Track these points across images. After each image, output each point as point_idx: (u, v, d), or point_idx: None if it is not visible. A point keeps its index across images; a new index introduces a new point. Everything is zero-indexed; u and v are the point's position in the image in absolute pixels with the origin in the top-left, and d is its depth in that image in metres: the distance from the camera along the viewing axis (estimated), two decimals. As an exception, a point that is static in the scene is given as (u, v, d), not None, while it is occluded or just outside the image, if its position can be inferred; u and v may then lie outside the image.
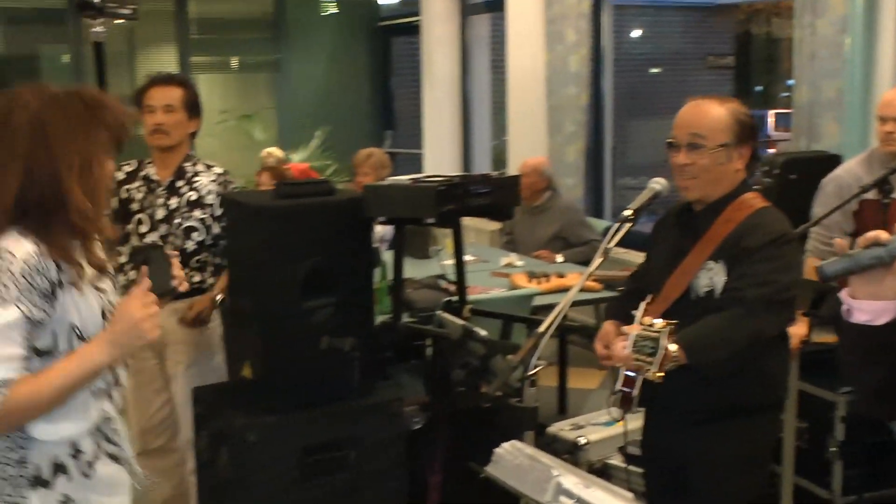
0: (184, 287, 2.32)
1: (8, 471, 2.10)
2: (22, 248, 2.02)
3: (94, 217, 2.12)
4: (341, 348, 3.23)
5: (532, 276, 5.05)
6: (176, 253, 2.40)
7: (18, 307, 1.99)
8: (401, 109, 11.47)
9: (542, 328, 2.54)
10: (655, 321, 2.41)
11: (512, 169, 7.72)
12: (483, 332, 3.11)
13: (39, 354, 2.07)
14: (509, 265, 5.53)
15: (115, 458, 2.28)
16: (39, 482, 2.11)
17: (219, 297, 3.92)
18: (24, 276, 2.00)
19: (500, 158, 9.20)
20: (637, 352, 2.40)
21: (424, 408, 3.67)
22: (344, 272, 3.42)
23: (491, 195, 3.44)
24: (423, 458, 3.67)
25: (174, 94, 3.93)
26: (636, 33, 12.19)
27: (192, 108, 3.98)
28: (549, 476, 2.15)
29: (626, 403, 2.65)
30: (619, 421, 2.77)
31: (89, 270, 2.15)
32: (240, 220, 3.54)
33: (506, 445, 2.32)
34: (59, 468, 2.13)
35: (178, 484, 4.11)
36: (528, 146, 7.63)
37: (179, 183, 3.95)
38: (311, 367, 3.36)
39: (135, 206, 3.95)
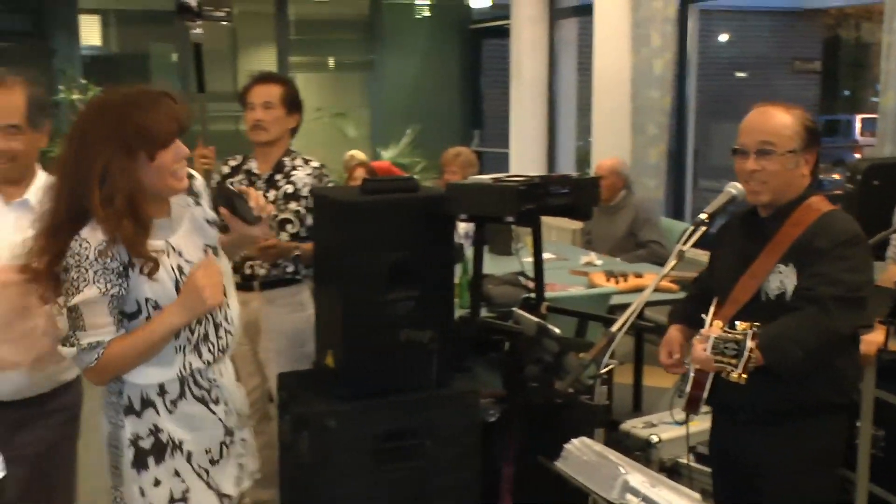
0: (268, 210, 2.66)
1: (112, 399, 2.51)
2: (95, 236, 2.32)
3: (115, 219, 2.32)
4: (420, 341, 3.20)
5: (610, 275, 4.98)
6: (246, 189, 2.69)
7: (97, 286, 2.32)
8: (489, 109, 11.44)
9: (614, 328, 2.49)
10: (737, 323, 2.35)
11: (594, 170, 7.63)
12: (557, 330, 3.06)
13: (129, 318, 2.43)
14: (588, 264, 5.46)
15: (201, 400, 2.57)
16: (132, 411, 2.49)
17: (297, 252, 3.96)
18: (97, 260, 2.32)
19: (583, 159, 9.12)
20: (718, 353, 2.34)
21: (500, 401, 3.63)
22: (425, 267, 3.40)
23: (570, 195, 3.38)
24: (496, 449, 3.63)
25: (273, 92, 3.97)
26: (723, 37, 11.97)
27: (292, 104, 4.00)
28: (617, 474, 2.11)
29: (693, 406, 2.58)
30: (683, 424, 2.71)
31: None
32: (327, 214, 3.54)
33: (575, 442, 2.28)
34: (148, 402, 2.49)
35: (263, 464, 4.14)
36: (612, 147, 7.54)
37: (278, 176, 3.98)
38: (390, 357, 3.35)
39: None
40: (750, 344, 2.29)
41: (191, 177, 2.60)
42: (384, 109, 10.96)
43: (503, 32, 9.96)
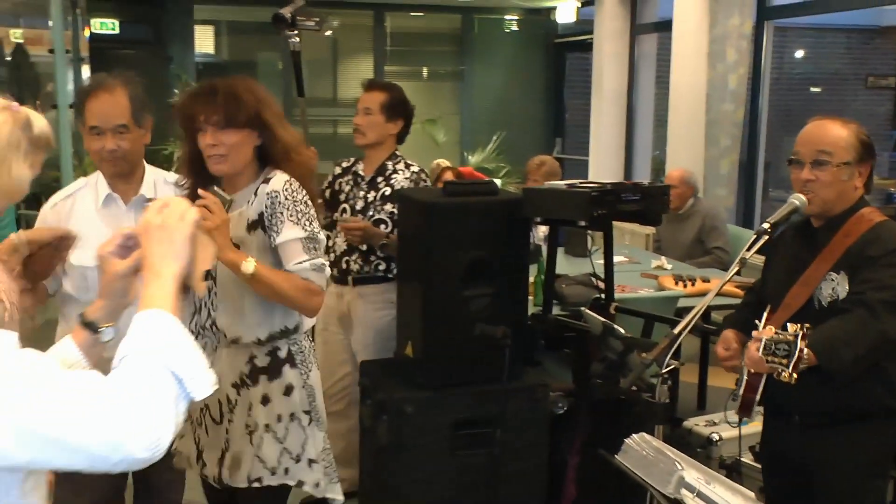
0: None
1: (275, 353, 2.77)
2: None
3: None
4: (493, 335, 3.19)
5: (679, 279, 4.90)
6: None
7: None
8: (571, 119, 11.37)
9: (677, 329, 2.44)
10: (787, 325, 2.30)
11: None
12: (621, 330, 3.02)
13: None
14: (659, 268, 5.38)
15: None
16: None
17: (386, 240, 3.93)
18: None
19: (659, 168, 9.01)
20: (770, 354, 2.28)
21: (568, 394, 3.61)
22: (501, 266, 3.39)
23: (640, 202, 3.34)
24: (563, 440, 3.61)
25: (375, 99, 3.98)
26: (798, 53, 11.70)
27: (393, 111, 3.99)
28: (673, 469, 2.07)
29: (745, 409, 2.53)
30: (736, 426, 2.66)
31: None
32: (411, 214, 3.55)
33: (635, 437, 2.25)
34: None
35: (346, 446, 4.19)
36: (686, 157, 7.43)
37: (379, 179, 3.99)
38: (466, 349, 3.35)
39: (342, 197, 4.05)
40: (801, 344, 2.23)
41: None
42: (472, 117, 10.97)
43: (586, 46, 9.90)
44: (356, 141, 4.04)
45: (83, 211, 2.86)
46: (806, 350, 2.28)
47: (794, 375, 2.24)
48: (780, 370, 2.27)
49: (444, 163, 7.68)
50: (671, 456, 2.11)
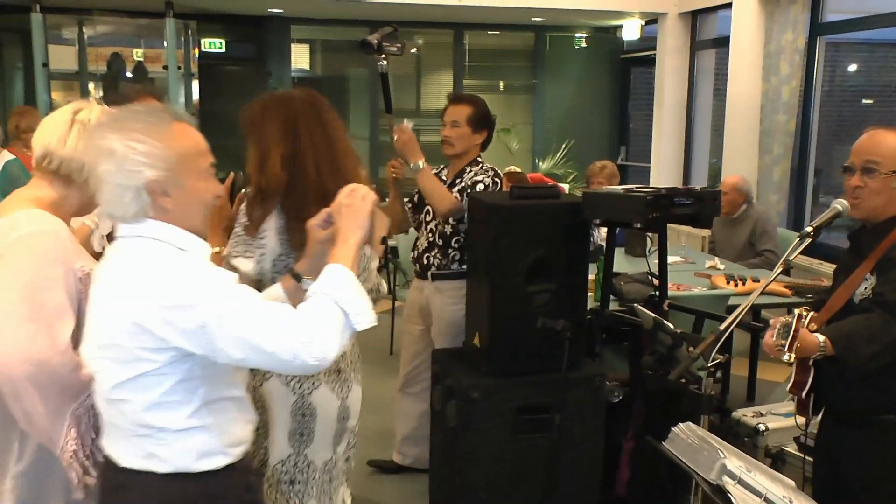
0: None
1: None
2: None
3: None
4: (554, 328, 3.15)
5: (730, 278, 4.78)
6: None
7: None
8: (634, 129, 11.23)
9: (723, 326, 2.37)
10: (794, 309, 2.22)
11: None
12: (670, 325, 2.95)
13: None
14: (712, 268, 5.26)
15: None
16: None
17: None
18: None
19: (715, 175, 8.84)
20: (778, 338, 2.20)
21: (624, 384, 3.54)
22: (562, 264, 3.34)
23: (693, 206, 3.26)
24: (618, 426, 3.55)
25: (461, 112, 3.96)
26: (851, 67, 11.33)
27: (478, 123, 3.98)
28: (716, 457, 2.01)
29: (797, 388, 2.43)
30: (786, 418, 2.57)
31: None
32: (480, 215, 3.52)
33: (681, 426, 2.19)
34: None
35: (417, 426, 4.19)
36: (740, 165, 7.28)
37: (457, 180, 3.97)
38: (529, 341, 3.31)
39: (426, 200, 4.04)
40: (796, 324, 2.14)
41: None
42: (544, 127, 10.90)
43: (649, 61, 9.77)
44: (445, 151, 4.03)
45: None
46: (823, 339, 2.22)
47: (792, 356, 2.15)
48: (783, 353, 2.18)
49: (516, 169, 7.68)
50: (714, 444, 2.05)
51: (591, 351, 3.68)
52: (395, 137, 3.85)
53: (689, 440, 2.13)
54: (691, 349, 2.41)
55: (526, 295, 3.30)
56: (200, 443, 1.87)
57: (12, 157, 4.85)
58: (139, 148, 1.78)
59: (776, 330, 2.19)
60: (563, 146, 10.44)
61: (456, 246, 3.97)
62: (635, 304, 3.27)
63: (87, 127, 2.10)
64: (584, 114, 10.97)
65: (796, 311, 2.20)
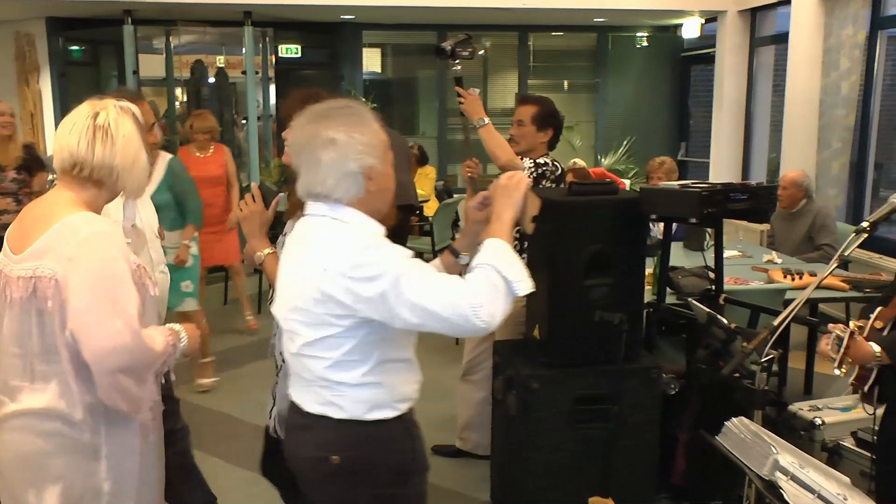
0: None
1: None
2: None
3: None
4: (611, 321, 3.08)
5: (787, 272, 4.60)
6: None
7: None
8: (694, 125, 10.99)
9: (777, 321, 2.27)
10: (851, 322, 2.12)
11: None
12: (724, 320, 2.85)
13: None
14: (769, 262, 5.09)
15: None
16: None
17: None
18: None
19: (773, 169, 8.60)
20: (832, 348, 2.12)
21: (680, 376, 3.45)
22: (619, 258, 3.27)
23: (748, 201, 3.15)
24: (674, 418, 3.46)
25: (527, 111, 3.96)
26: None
27: (543, 121, 3.96)
28: (769, 453, 1.92)
29: (861, 380, 2.33)
30: (848, 411, 2.46)
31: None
32: (539, 210, 3.46)
33: (734, 420, 2.11)
34: None
35: (476, 414, 4.16)
36: (799, 159, 7.05)
37: None
38: (587, 333, 3.24)
39: (489, 153, 3.99)
40: (847, 342, 2.06)
41: None
42: (606, 124, 10.75)
43: (709, 59, 9.55)
44: (512, 149, 3.99)
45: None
46: (879, 349, 2.16)
47: (843, 369, 2.07)
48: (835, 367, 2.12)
49: (581, 162, 7.62)
50: (767, 440, 1.97)
51: (649, 343, 3.60)
52: (462, 100, 3.86)
53: (741, 435, 2.05)
54: (745, 344, 2.32)
55: (584, 288, 3.23)
56: (372, 397, 2.06)
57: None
58: (359, 138, 2.00)
59: (831, 339, 2.10)
60: (625, 143, 10.28)
61: (515, 235, 3.92)
62: (689, 298, 3.17)
63: (110, 131, 2.09)
64: (644, 111, 10.79)
65: (850, 327, 2.11)
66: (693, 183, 3.23)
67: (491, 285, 1.93)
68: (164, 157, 4.70)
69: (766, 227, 6.36)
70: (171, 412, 2.70)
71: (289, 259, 2.09)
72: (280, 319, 2.13)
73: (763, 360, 2.24)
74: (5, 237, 2.12)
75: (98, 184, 2.11)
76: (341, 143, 1.98)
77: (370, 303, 1.92)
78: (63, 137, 2.10)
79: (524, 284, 1.99)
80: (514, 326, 3.90)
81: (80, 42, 10.14)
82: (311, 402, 2.09)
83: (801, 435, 3.41)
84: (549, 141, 4.00)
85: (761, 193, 3.18)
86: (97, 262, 2.00)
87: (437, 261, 2.32)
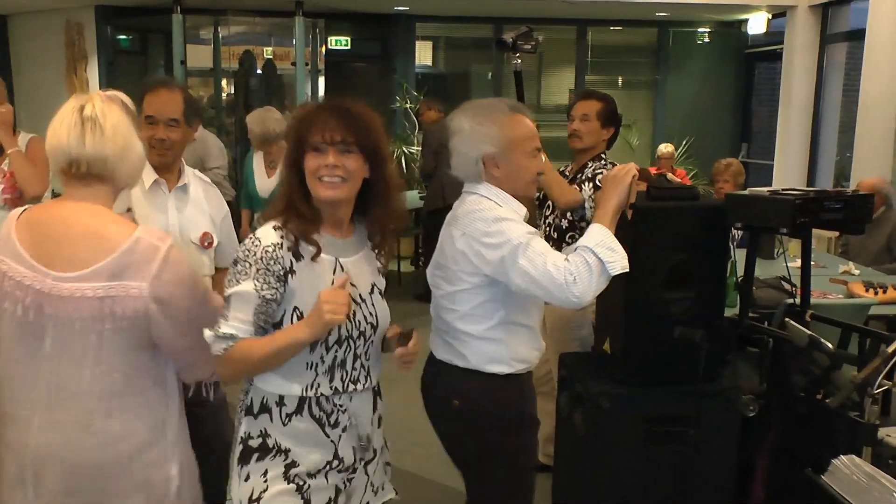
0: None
1: (240, 396, 2.18)
2: (267, 237, 2.03)
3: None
4: (692, 338, 2.90)
5: (869, 285, 4.37)
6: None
7: (254, 283, 1.99)
8: (757, 125, 10.70)
9: (892, 348, 2.08)
10: None
11: (852, 183, 6.91)
12: (828, 344, 2.65)
13: (274, 326, 2.06)
14: (846, 273, 4.85)
15: (317, 420, 2.11)
16: (250, 412, 2.13)
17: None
18: (261, 259, 2.00)
19: (840, 173, 8.31)
20: None
21: (758, 396, 3.25)
22: (701, 270, 3.08)
23: (843, 211, 2.95)
24: (752, 441, 3.26)
25: (592, 107, 3.85)
26: None
27: (607, 119, 3.85)
28: (890, 500, 1.74)
29: None
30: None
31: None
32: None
33: (843, 459, 1.93)
34: (264, 409, 2.11)
35: (546, 427, 3.99)
36: (873, 164, 6.78)
37: (579, 175, 3.83)
38: (663, 350, 3.07)
39: (541, 195, 3.94)
40: None
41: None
42: (664, 123, 10.54)
43: (775, 56, 9.29)
44: (572, 145, 3.89)
45: (133, 192, 2.66)
46: None
47: None
48: None
49: (669, 147, 8.00)
50: (887, 485, 1.79)
51: (723, 358, 3.40)
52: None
53: (853, 476, 1.87)
54: (855, 374, 2.14)
55: (662, 301, 3.05)
56: (492, 351, 2.46)
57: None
58: (480, 129, 2.41)
59: None
60: (684, 142, 10.03)
61: (570, 241, 3.79)
62: (786, 320, 2.97)
63: (98, 121, 1.99)
64: (705, 110, 10.56)
65: None
66: (784, 190, 3.03)
67: (586, 265, 2.29)
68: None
69: (833, 234, 6.11)
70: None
71: (444, 227, 2.53)
72: (428, 275, 2.59)
73: (876, 391, 2.06)
74: (21, 251, 1.99)
75: (99, 178, 2.02)
76: (465, 131, 2.44)
77: (491, 265, 2.36)
78: (55, 137, 2.01)
79: (618, 264, 2.33)
80: (565, 331, 3.75)
81: (129, 31, 10.16)
82: (443, 350, 2.54)
83: (888, 464, 3.19)
84: (609, 140, 3.90)
85: (857, 203, 2.97)
86: (187, 282, 2.03)
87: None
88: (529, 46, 3.60)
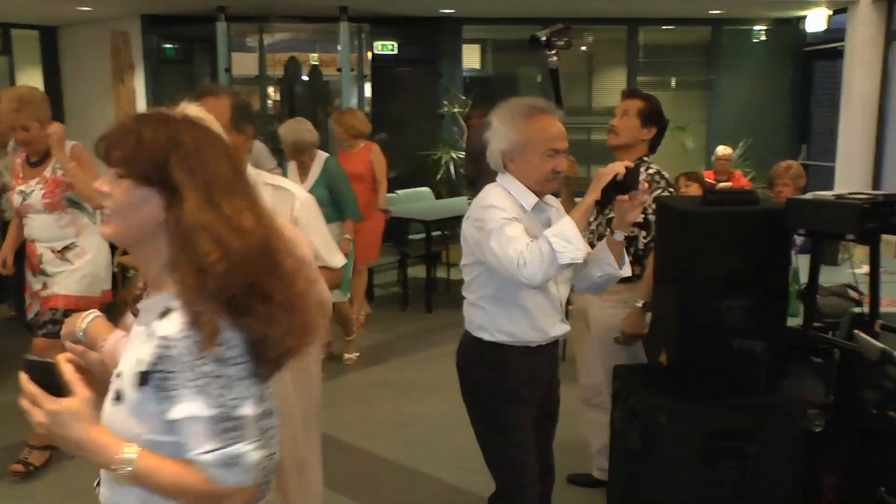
0: None
1: None
2: None
3: None
4: (752, 350, 2.80)
5: (944, 293, 4.18)
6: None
7: None
8: (816, 125, 10.44)
9: (974, 362, 1.97)
10: None
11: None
12: (903, 358, 2.52)
13: None
14: (919, 279, 4.65)
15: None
16: None
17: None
18: None
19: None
20: None
21: (824, 410, 3.13)
22: (761, 278, 2.98)
23: (915, 215, 2.81)
24: (818, 458, 3.14)
25: (633, 104, 3.75)
26: None
27: (648, 117, 3.72)
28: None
29: None
30: None
31: None
32: (670, 221, 3.21)
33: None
34: None
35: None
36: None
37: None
38: (721, 361, 2.97)
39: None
40: None
41: None
42: (719, 124, 10.33)
43: (836, 54, 9.04)
44: (609, 141, 3.79)
45: None
46: None
47: None
48: None
49: (727, 150, 7.83)
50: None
51: (786, 368, 3.28)
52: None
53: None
54: (934, 388, 2.02)
55: (719, 310, 2.95)
56: (478, 317, 2.81)
57: (326, 154, 5.69)
58: (500, 128, 2.71)
59: None
60: (740, 144, 9.82)
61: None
62: (856, 332, 2.84)
63: None
64: (762, 110, 10.32)
65: None
66: (849, 193, 2.91)
67: (539, 252, 2.51)
68: (321, 156, 5.65)
69: (902, 239, 5.90)
70: None
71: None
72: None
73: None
74: None
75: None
76: (493, 127, 2.74)
77: (475, 244, 2.70)
78: None
79: (568, 255, 2.49)
80: (611, 340, 3.65)
81: (174, 40, 10.28)
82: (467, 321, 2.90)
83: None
84: (650, 140, 3.76)
85: (930, 206, 2.84)
86: None
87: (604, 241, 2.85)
88: (563, 43, 3.54)
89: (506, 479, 2.88)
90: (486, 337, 2.81)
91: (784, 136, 10.40)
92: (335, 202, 5.58)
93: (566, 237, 2.49)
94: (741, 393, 2.97)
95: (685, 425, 3.00)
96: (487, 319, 2.80)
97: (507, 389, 2.81)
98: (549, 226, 2.69)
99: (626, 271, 2.86)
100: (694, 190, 5.56)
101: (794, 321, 3.44)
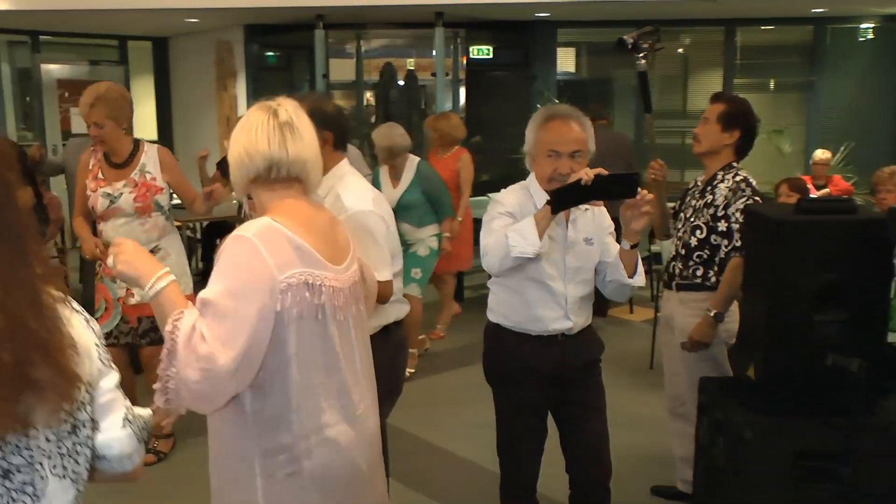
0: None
1: None
2: None
3: None
4: (847, 367, 2.61)
5: None
6: None
7: None
8: (929, 129, 9.89)
9: None
10: None
11: None
12: None
13: None
14: None
15: None
16: None
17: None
18: None
19: None
20: None
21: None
22: (858, 290, 2.78)
23: None
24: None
25: (715, 109, 3.59)
26: None
27: (729, 121, 3.55)
28: None
29: None
30: None
31: None
32: (760, 230, 3.03)
33: None
34: None
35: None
36: None
37: (708, 187, 3.56)
38: (814, 377, 2.79)
39: (682, 206, 3.75)
40: None
41: None
42: (819, 127, 9.86)
43: (950, 53, 8.53)
44: (694, 149, 3.67)
45: None
46: None
47: None
48: None
49: (825, 154, 7.61)
50: None
51: (884, 389, 3.06)
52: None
53: None
54: None
55: (812, 325, 2.77)
56: (490, 300, 3.05)
57: (418, 158, 5.74)
58: (527, 132, 2.90)
59: None
60: (842, 149, 9.35)
61: (698, 260, 3.54)
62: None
63: (295, 125, 2.06)
64: (866, 113, 9.82)
65: None
66: (957, 202, 2.70)
67: (499, 244, 2.73)
68: (413, 160, 5.66)
69: None
70: None
71: None
72: None
73: None
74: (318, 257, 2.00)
75: (297, 180, 2.06)
76: (526, 133, 2.92)
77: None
78: (251, 145, 2.01)
79: (517, 249, 2.68)
80: (706, 356, 3.48)
81: (275, 48, 10.45)
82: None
83: None
84: (735, 144, 3.56)
85: None
86: None
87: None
88: (648, 45, 3.42)
89: (499, 458, 3.09)
90: (493, 318, 3.02)
91: (890, 141, 9.88)
92: (431, 204, 5.67)
93: (522, 233, 2.67)
94: (835, 411, 2.78)
95: (773, 443, 2.82)
96: (495, 302, 3.01)
97: (503, 371, 3.00)
98: (564, 226, 2.88)
99: (639, 281, 2.93)
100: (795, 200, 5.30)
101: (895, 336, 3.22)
